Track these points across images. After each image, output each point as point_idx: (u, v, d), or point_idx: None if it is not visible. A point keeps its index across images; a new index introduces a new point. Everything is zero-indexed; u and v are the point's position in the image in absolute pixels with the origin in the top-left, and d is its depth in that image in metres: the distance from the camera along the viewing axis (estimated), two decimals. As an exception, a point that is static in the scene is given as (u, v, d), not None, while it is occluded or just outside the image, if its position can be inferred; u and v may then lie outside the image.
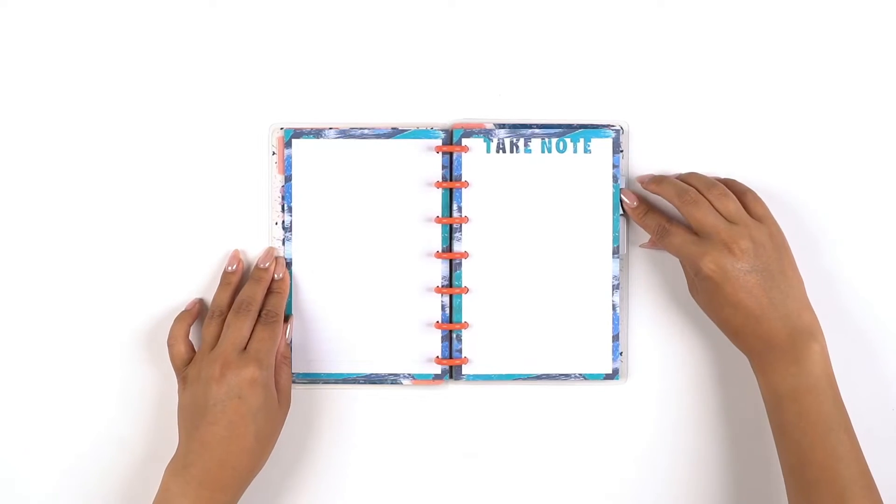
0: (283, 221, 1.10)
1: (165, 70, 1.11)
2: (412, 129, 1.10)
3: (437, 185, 1.09)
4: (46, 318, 1.10)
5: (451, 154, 1.10)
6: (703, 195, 1.05)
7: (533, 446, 1.11)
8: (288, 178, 1.10)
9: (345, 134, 1.10)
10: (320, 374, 1.10)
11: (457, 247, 1.10)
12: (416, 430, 1.11)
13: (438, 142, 1.10)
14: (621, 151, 1.10)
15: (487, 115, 1.11)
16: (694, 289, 1.07)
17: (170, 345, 1.07)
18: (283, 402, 1.07)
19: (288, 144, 1.10)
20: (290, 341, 1.09)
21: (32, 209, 1.10)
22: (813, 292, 1.06)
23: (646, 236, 1.10)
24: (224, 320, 1.07)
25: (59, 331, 1.10)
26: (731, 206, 1.05)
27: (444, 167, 1.10)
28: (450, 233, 1.10)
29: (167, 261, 1.10)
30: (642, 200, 1.09)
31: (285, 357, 1.08)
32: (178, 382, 1.07)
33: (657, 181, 1.08)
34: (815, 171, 1.12)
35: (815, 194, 1.12)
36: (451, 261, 1.10)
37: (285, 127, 1.10)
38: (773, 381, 1.02)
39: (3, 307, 1.10)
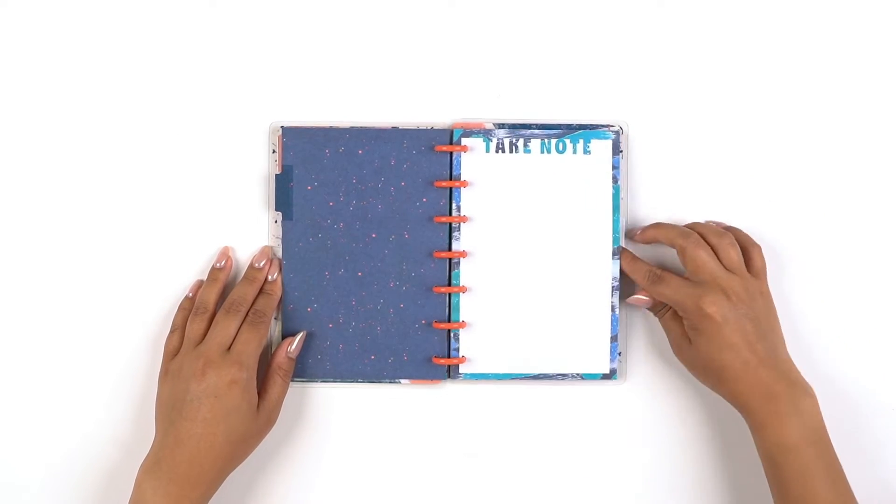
0: (279, 220, 1.10)
1: (166, 69, 1.11)
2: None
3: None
4: (43, 314, 1.10)
5: (450, 153, 1.10)
6: (709, 241, 1.06)
7: (532, 446, 1.11)
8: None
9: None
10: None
11: (455, 246, 1.09)
12: (415, 430, 1.11)
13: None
14: (621, 152, 1.10)
15: (487, 114, 1.11)
16: (682, 343, 1.06)
17: (170, 331, 1.08)
18: (266, 412, 1.05)
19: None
20: (294, 355, 1.09)
21: (32, 206, 1.11)
22: (818, 290, 1.08)
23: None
24: (209, 317, 1.07)
25: (55, 327, 1.10)
26: (734, 256, 1.06)
27: (443, 167, 1.10)
28: (449, 232, 1.10)
29: (165, 259, 1.10)
30: (626, 248, 1.10)
31: (281, 368, 1.07)
32: (160, 373, 1.07)
33: (655, 226, 1.09)
34: (816, 170, 1.11)
35: (815, 194, 1.11)
36: (449, 260, 1.10)
37: (285, 125, 1.10)
38: (778, 434, 1.02)
39: None
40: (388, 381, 1.10)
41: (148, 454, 1.03)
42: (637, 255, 1.10)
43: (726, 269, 1.05)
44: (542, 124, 1.10)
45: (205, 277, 1.10)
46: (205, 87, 1.11)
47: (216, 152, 1.11)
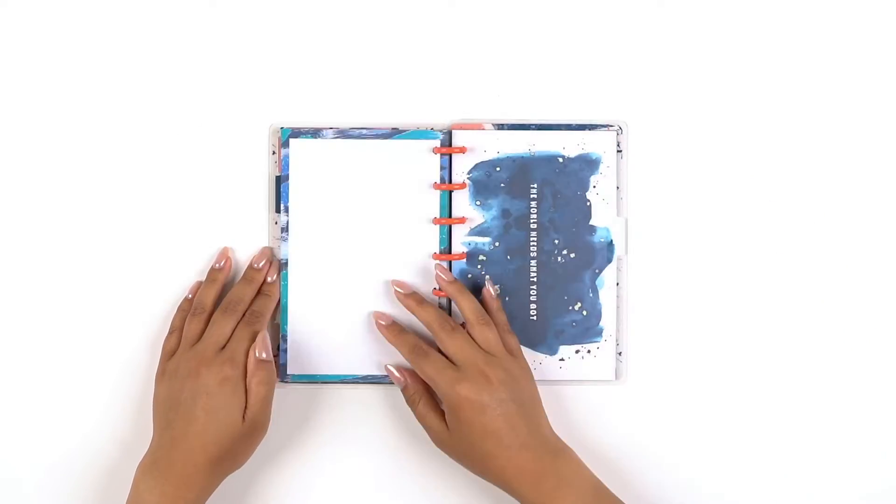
0: (279, 221, 1.10)
1: (165, 70, 1.11)
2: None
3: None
4: (43, 314, 1.11)
5: (449, 155, 1.10)
6: (465, 318, 1.06)
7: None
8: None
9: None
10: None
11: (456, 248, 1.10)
12: (415, 430, 1.11)
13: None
14: (619, 151, 1.10)
15: (486, 115, 1.11)
16: (442, 433, 1.04)
17: (168, 332, 1.09)
18: (250, 419, 1.03)
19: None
20: (268, 353, 1.06)
21: (33, 208, 1.11)
22: (817, 289, 1.09)
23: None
24: (206, 317, 1.07)
25: (54, 327, 1.11)
26: (490, 336, 1.05)
27: (442, 168, 1.10)
28: (448, 234, 1.10)
29: (164, 260, 1.11)
30: (395, 320, 1.09)
31: (255, 375, 1.04)
32: (157, 373, 1.07)
33: (416, 301, 1.07)
34: (815, 170, 1.11)
35: (814, 194, 1.11)
36: (449, 262, 1.10)
37: (283, 126, 1.10)
38: None
39: None
40: (387, 381, 1.10)
41: (146, 454, 1.04)
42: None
43: (485, 351, 1.04)
44: (541, 124, 1.10)
45: (200, 279, 1.10)
46: (205, 89, 1.11)
47: (216, 153, 1.11)
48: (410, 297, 1.08)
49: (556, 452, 1.03)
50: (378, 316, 1.08)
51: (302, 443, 1.11)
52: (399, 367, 1.08)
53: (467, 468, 1.05)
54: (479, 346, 1.04)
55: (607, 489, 1.03)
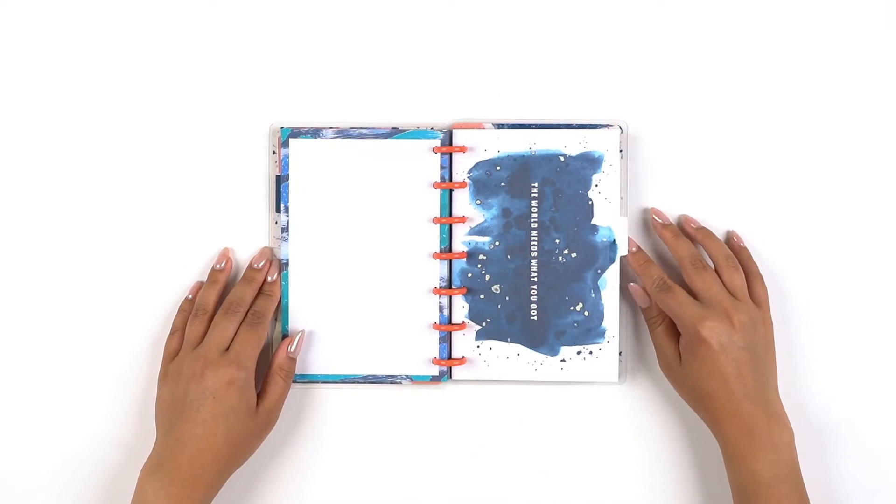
0: (279, 221, 1.10)
1: (165, 70, 1.11)
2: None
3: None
4: (43, 315, 1.11)
5: (450, 154, 1.09)
6: (715, 262, 1.07)
7: (532, 448, 1.11)
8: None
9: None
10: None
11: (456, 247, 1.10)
12: (415, 431, 1.11)
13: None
14: (620, 151, 1.10)
15: (487, 115, 1.11)
16: (672, 362, 1.06)
17: (170, 333, 1.08)
18: (265, 412, 1.05)
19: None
20: (296, 356, 1.09)
21: (33, 209, 1.11)
22: (817, 288, 1.09)
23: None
24: (208, 318, 1.07)
25: (55, 329, 1.11)
26: (738, 281, 1.06)
27: (442, 167, 1.09)
28: (449, 233, 1.10)
29: (164, 260, 1.11)
30: (641, 249, 1.09)
31: (282, 369, 1.07)
32: (160, 375, 1.07)
33: (673, 233, 1.08)
34: (815, 170, 1.11)
35: (814, 194, 1.11)
36: (450, 261, 1.10)
37: (283, 126, 1.10)
38: (751, 468, 1.01)
39: None
40: (388, 381, 1.10)
41: (149, 456, 1.04)
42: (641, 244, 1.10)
43: (731, 294, 1.05)
44: (541, 123, 1.10)
45: (205, 279, 1.10)
46: (205, 88, 1.11)
47: (216, 154, 1.11)
48: (667, 227, 1.08)
49: (774, 416, 1.03)
50: (628, 242, 1.09)
51: (302, 443, 1.11)
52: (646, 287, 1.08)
53: (684, 398, 1.06)
54: (726, 288, 1.05)
55: (800, 473, 1.03)
